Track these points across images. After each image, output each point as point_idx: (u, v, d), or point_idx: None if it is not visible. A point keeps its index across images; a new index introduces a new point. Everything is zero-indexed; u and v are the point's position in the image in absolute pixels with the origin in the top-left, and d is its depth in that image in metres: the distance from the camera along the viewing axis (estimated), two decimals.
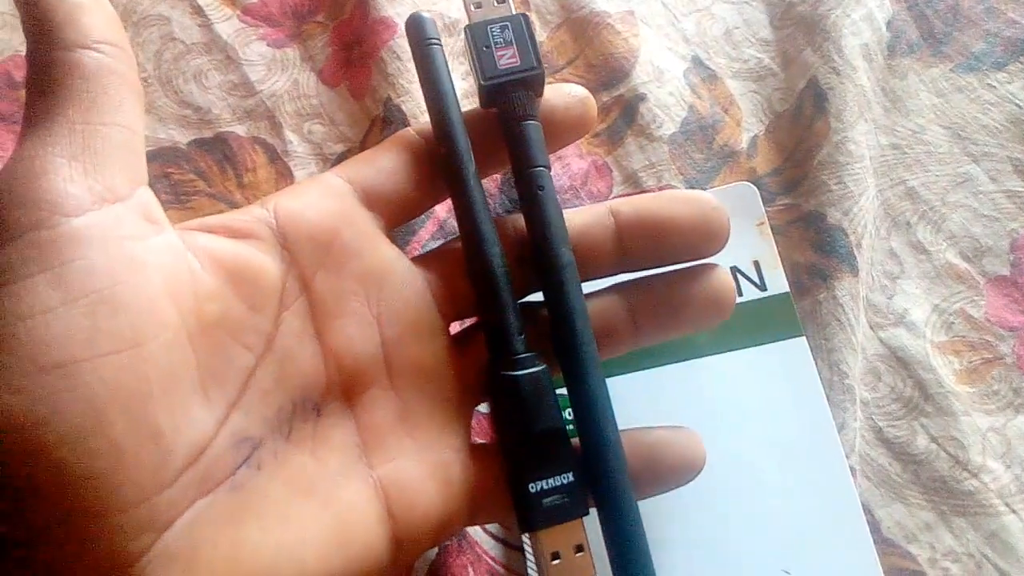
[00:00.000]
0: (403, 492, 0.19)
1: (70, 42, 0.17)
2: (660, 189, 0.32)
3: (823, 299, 0.29)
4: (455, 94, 0.22)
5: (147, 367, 0.16)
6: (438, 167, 0.22)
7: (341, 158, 0.32)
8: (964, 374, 0.29)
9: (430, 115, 0.22)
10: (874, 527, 0.27)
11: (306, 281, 0.20)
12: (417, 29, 0.22)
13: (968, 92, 0.33)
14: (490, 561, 0.27)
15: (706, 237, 0.22)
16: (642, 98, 0.33)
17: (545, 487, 0.20)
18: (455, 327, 0.23)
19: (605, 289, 0.23)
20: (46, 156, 0.16)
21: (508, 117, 0.22)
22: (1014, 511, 0.27)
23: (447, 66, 0.22)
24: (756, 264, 0.29)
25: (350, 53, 0.34)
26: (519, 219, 0.22)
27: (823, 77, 0.32)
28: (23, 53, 0.34)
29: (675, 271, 0.23)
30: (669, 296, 0.22)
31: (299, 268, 0.20)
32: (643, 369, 0.28)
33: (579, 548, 0.20)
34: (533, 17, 0.35)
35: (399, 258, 0.21)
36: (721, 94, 0.33)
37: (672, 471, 0.22)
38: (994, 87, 0.33)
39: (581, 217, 0.22)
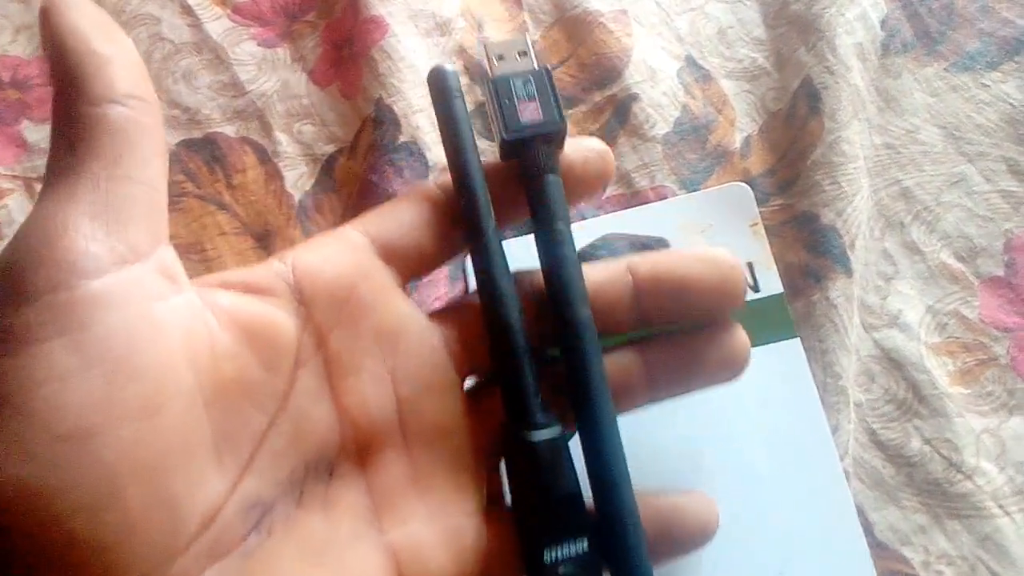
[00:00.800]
0: (415, 558, 0.19)
1: (98, 96, 0.17)
2: (653, 189, 0.31)
3: (817, 300, 0.29)
4: (476, 147, 0.21)
5: (163, 435, 0.16)
6: (457, 221, 0.21)
7: (332, 158, 0.32)
8: (958, 375, 0.29)
9: (450, 169, 0.21)
10: (868, 530, 0.26)
11: (322, 338, 0.19)
12: (440, 82, 0.22)
13: (962, 91, 0.33)
14: None
15: (723, 297, 0.22)
16: (635, 98, 0.33)
17: (560, 555, 0.19)
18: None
19: (622, 345, 0.23)
20: (67, 214, 0.16)
21: (529, 171, 0.21)
22: (1008, 513, 0.26)
23: (468, 119, 0.22)
24: (750, 265, 0.29)
25: (341, 52, 0.34)
26: (537, 274, 0.22)
27: (817, 76, 0.32)
28: (11, 53, 0.33)
29: (693, 331, 0.22)
30: (686, 355, 0.22)
31: (315, 325, 0.19)
32: None
33: None
34: (526, 16, 0.35)
35: (415, 314, 0.21)
36: (715, 94, 0.33)
37: (686, 538, 0.21)
38: (988, 86, 0.33)
39: (599, 274, 0.22)
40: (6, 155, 0.32)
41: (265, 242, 0.31)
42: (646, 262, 0.22)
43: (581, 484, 0.20)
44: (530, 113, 0.21)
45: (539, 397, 0.20)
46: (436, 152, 0.31)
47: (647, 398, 0.22)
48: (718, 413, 0.27)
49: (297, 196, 0.32)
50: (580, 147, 0.22)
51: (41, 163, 0.32)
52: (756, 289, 0.29)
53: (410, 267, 0.21)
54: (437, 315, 0.22)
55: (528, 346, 0.20)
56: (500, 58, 0.22)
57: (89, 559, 0.14)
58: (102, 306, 0.15)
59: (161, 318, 0.17)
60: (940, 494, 0.27)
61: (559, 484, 0.20)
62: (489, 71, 0.22)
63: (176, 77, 0.33)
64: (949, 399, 0.28)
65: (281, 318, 0.19)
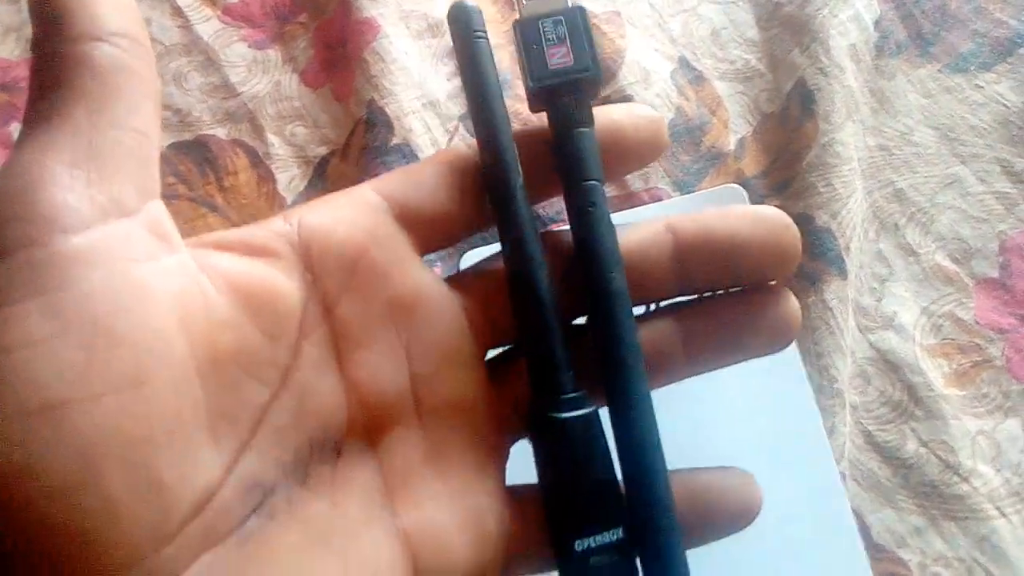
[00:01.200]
0: (432, 544, 0.17)
1: (82, 33, 0.15)
2: (647, 191, 0.31)
3: (812, 303, 0.29)
4: (502, 96, 0.19)
5: (150, 409, 0.14)
6: (482, 177, 0.19)
7: (324, 161, 0.32)
8: (953, 377, 0.28)
9: (473, 119, 0.19)
10: (864, 532, 0.26)
11: (329, 306, 0.18)
12: (462, 19, 0.19)
13: (956, 93, 0.33)
14: None
15: (778, 259, 0.20)
16: (629, 99, 0.32)
17: (592, 545, 0.18)
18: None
19: (657, 312, 0.21)
20: (44, 163, 0.14)
21: (558, 124, 0.19)
22: (1004, 515, 0.26)
23: (493, 61, 0.19)
24: None
25: (333, 54, 0.33)
26: (567, 234, 0.20)
27: (811, 78, 0.32)
28: (9, 58, 0.33)
29: (737, 294, 0.21)
30: (730, 322, 0.20)
31: (322, 291, 0.18)
32: None
33: None
34: (518, 16, 0.35)
35: (434, 281, 0.19)
36: (708, 95, 0.33)
37: (726, 519, 0.20)
38: (982, 87, 0.33)
39: (636, 235, 0.20)
40: None
41: None
42: (690, 220, 0.20)
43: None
44: (560, 58, 0.19)
45: (571, 372, 0.19)
46: (428, 154, 0.31)
47: (686, 371, 0.20)
48: (713, 416, 0.27)
49: (290, 198, 0.31)
50: (630, 113, 0.20)
51: None
52: None
53: (431, 234, 0.19)
54: (457, 282, 0.20)
55: (558, 316, 0.19)
56: None
57: (67, 546, 0.13)
58: (82, 264, 0.14)
59: (150, 279, 0.15)
60: (936, 496, 0.27)
61: (592, 468, 0.18)
62: (517, 10, 0.20)
63: (167, 79, 0.33)
64: (945, 401, 0.28)
65: (284, 283, 0.17)
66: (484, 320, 0.19)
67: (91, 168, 0.15)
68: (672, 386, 0.27)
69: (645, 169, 0.32)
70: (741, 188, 0.30)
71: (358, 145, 0.32)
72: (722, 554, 0.25)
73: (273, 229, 0.18)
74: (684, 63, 0.34)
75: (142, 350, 0.14)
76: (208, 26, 0.34)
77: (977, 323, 0.29)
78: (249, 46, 0.34)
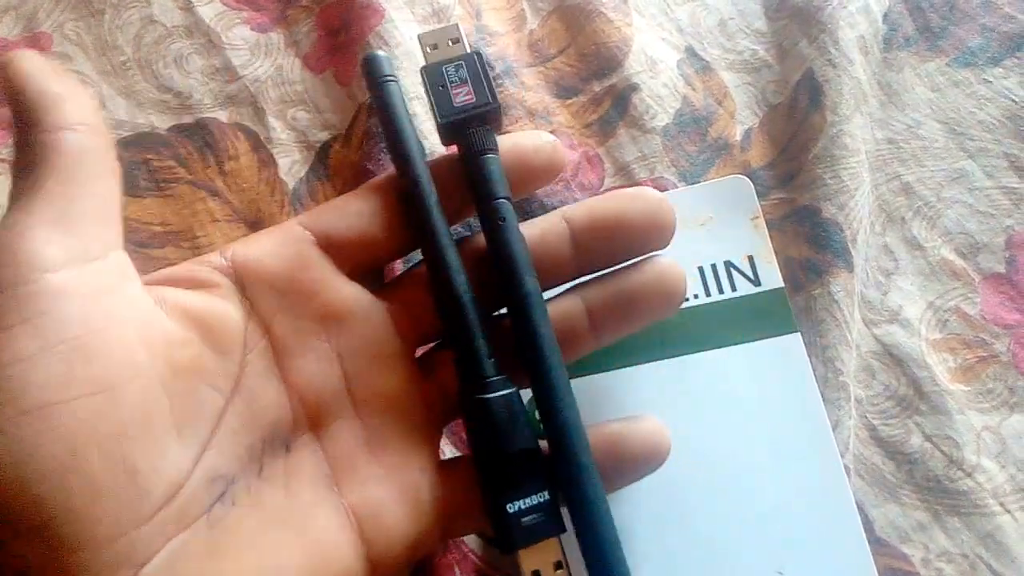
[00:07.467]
0: (373, 515, 0.20)
1: (52, 125, 0.18)
2: (653, 181, 0.31)
3: (818, 295, 0.29)
4: (413, 128, 0.23)
5: (122, 409, 0.17)
6: (401, 200, 0.22)
7: (326, 146, 0.32)
8: (959, 372, 0.28)
9: (389, 150, 0.22)
10: (868, 527, 0.26)
11: (266, 324, 0.21)
12: (373, 67, 0.23)
13: (964, 87, 0.33)
14: (475, 559, 0.26)
15: (656, 231, 0.23)
16: (635, 88, 0.32)
17: (522, 507, 0.20)
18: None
19: (563, 292, 0.24)
20: (27, 222, 0.17)
21: (468, 152, 0.22)
22: (1008, 511, 0.26)
23: (403, 100, 0.23)
24: (750, 259, 0.29)
25: (336, 39, 0.33)
26: (480, 239, 0.23)
27: (819, 69, 0.32)
28: (7, 37, 0.33)
29: (624, 266, 0.23)
30: (621, 290, 0.23)
31: (259, 312, 0.21)
32: (635, 365, 0.27)
33: (558, 565, 0.21)
34: (524, 4, 0.34)
35: (358, 294, 0.22)
36: (715, 86, 0.33)
37: (635, 462, 0.22)
38: (990, 82, 0.33)
39: (537, 227, 0.23)
40: None
41: (258, 229, 0.30)
42: (580, 207, 0.23)
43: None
44: (463, 96, 0.22)
45: (492, 359, 0.21)
46: (433, 140, 0.31)
47: (593, 342, 0.23)
48: (717, 408, 0.27)
49: (291, 183, 0.31)
50: (531, 137, 0.23)
51: None
52: (757, 283, 0.29)
53: (355, 256, 0.22)
54: (383, 291, 0.23)
55: (477, 311, 0.21)
56: (433, 47, 0.23)
57: (57, 521, 0.16)
58: (59, 296, 0.17)
59: (115, 308, 0.18)
60: (940, 491, 0.27)
61: (516, 439, 0.21)
62: (423, 59, 0.23)
63: (167, 61, 0.32)
64: (950, 396, 0.28)
65: (226, 308, 0.20)
66: (409, 321, 0.22)
67: (64, 225, 0.18)
68: (675, 377, 0.27)
69: (651, 159, 0.31)
70: (747, 179, 0.30)
71: (361, 130, 0.31)
72: (727, 545, 0.25)
73: (211, 263, 0.21)
74: (691, 53, 0.33)
75: (112, 362, 0.17)
76: (210, 8, 0.33)
77: (983, 318, 0.29)
78: (251, 29, 0.33)
